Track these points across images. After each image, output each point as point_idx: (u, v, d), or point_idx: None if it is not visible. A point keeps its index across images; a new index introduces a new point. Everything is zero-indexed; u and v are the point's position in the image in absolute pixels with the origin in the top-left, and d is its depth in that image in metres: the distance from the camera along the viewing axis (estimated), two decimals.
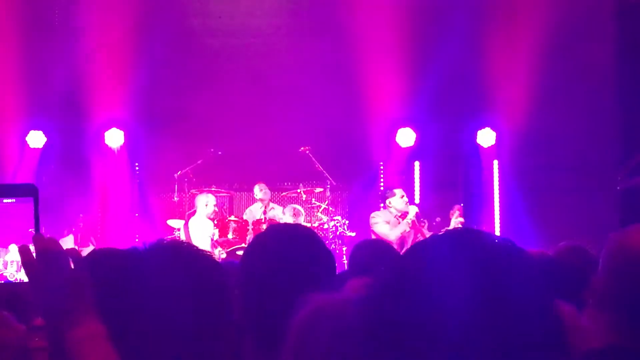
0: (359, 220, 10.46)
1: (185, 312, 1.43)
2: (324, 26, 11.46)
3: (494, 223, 11.31)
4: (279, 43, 11.64)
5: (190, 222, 9.95)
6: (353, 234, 9.84)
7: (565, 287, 2.24)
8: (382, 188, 11.48)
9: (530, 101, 10.80)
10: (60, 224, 10.26)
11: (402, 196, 9.15)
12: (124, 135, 11.33)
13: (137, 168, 11.58)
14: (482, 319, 1.10)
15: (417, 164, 11.59)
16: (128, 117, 11.28)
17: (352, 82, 11.10)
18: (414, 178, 11.55)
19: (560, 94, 11.09)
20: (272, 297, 2.04)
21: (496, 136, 11.41)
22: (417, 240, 8.28)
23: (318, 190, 10.48)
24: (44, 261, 1.45)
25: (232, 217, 10.15)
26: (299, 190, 10.41)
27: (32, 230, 1.56)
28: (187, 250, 1.55)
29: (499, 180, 11.48)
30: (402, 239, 8.73)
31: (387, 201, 9.18)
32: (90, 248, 9.78)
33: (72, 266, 1.47)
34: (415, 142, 11.43)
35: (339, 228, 9.86)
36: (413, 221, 8.95)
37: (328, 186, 10.42)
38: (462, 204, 10.40)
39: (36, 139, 11.26)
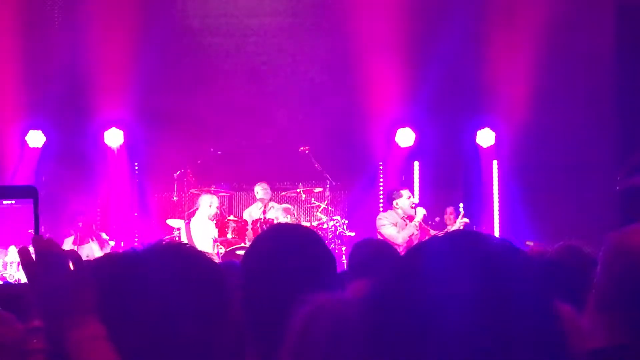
0: (358, 220, 10.47)
1: (185, 313, 1.43)
2: (324, 26, 11.47)
3: (493, 223, 11.32)
4: (278, 43, 11.64)
5: (192, 223, 9.93)
6: (352, 234, 9.84)
7: (563, 286, 2.24)
8: (381, 188, 11.49)
9: (529, 101, 10.81)
10: (60, 224, 10.25)
11: (409, 197, 9.12)
12: (124, 134, 11.34)
13: (136, 167, 11.58)
14: (482, 320, 1.11)
15: (416, 164, 11.59)
16: (128, 117, 11.28)
17: (351, 82, 11.11)
18: (413, 178, 11.55)
19: (559, 94, 11.10)
20: (274, 298, 2.04)
21: (495, 136, 11.41)
22: None
23: (317, 190, 10.48)
24: (43, 262, 1.46)
25: (232, 217, 10.15)
26: (298, 190, 10.41)
27: (31, 231, 1.56)
28: (186, 251, 1.55)
29: (498, 180, 11.48)
30: (410, 241, 8.69)
31: (394, 202, 9.14)
32: (92, 244, 9.78)
33: (72, 267, 1.47)
34: (414, 142, 11.43)
35: (339, 228, 9.86)
36: (420, 223, 8.94)
37: (327, 186, 10.42)
38: (461, 204, 10.40)
39: (36, 138, 11.26)
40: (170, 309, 1.43)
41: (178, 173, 10.51)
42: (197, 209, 10.08)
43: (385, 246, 3.79)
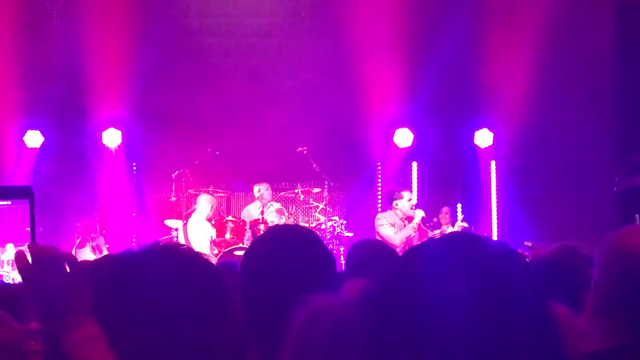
0: (357, 221, 10.47)
1: (182, 314, 1.43)
2: (322, 26, 11.47)
3: (491, 223, 11.33)
4: (276, 43, 11.64)
5: (189, 224, 9.91)
6: (350, 234, 9.84)
7: (560, 287, 2.25)
8: (379, 188, 11.49)
9: (527, 102, 10.82)
10: (58, 224, 10.25)
11: (410, 199, 9.10)
12: (122, 135, 11.34)
13: (134, 168, 11.58)
14: (479, 321, 1.11)
15: (414, 164, 11.59)
16: (125, 117, 11.28)
17: (350, 83, 11.11)
18: (411, 178, 11.56)
19: (557, 94, 11.11)
20: (274, 298, 2.04)
21: (493, 137, 11.42)
22: None
23: (316, 190, 10.48)
24: (39, 265, 1.46)
25: (230, 217, 10.14)
26: (296, 191, 10.41)
27: (28, 229, 1.56)
28: (182, 252, 1.55)
29: (496, 181, 11.49)
30: (408, 242, 8.69)
31: (394, 203, 9.12)
32: (88, 248, 9.77)
33: (68, 269, 1.47)
34: (412, 142, 11.44)
35: (337, 228, 9.86)
36: (419, 225, 8.94)
37: (326, 186, 10.42)
38: (459, 204, 10.42)
39: (33, 138, 11.26)
40: (166, 310, 1.43)
41: (176, 173, 10.51)
42: (195, 209, 10.08)
43: (383, 247, 3.79)
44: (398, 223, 8.99)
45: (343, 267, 4.74)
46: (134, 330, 1.42)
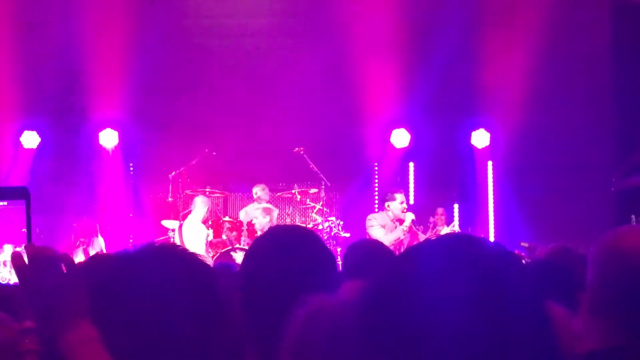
0: (354, 221, 10.46)
1: (177, 315, 1.43)
2: (319, 27, 11.47)
3: (488, 224, 11.33)
4: (273, 44, 11.64)
5: (184, 226, 9.87)
6: (347, 235, 9.84)
7: (556, 288, 2.25)
8: (376, 189, 11.49)
9: (524, 102, 10.82)
10: (54, 225, 10.24)
11: (402, 202, 9.09)
12: (118, 135, 11.33)
13: (131, 168, 11.57)
14: (475, 322, 1.11)
15: (411, 164, 11.60)
16: (122, 118, 11.27)
17: (347, 83, 11.11)
18: (408, 179, 11.56)
19: (554, 94, 11.12)
20: (274, 299, 2.04)
21: (490, 137, 11.43)
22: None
23: (313, 191, 10.48)
24: (35, 266, 1.46)
25: (227, 218, 10.14)
26: (293, 191, 10.40)
27: (24, 230, 1.56)
28: (177, 252, 1.55)
29: (493, 181, 11.50)
30: (398, 245, 8.69)
31: (386, 204, 9.15)
32: (80, 251, 9.76)
33: (65, 270, 1.47)
34: (409, 143, 11.44)
35: (334, 229, 9.86)
36: (410, 227, 8.95)
37: (323, 187, 10.41)
38: (456, 205, 10.42)
39: (30, 139, 11.25)
40: (162, 311, 1.42)
41: (173, 174, 10.50)
42: (191, 211, 10.06)
43: (380, 247, 3.79)
44: (389, 224, 9.00)
45: (340, 268, 4.74)
46: (130, 331, 1.42)
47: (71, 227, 10.06)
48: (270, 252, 2.18)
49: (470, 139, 11.49)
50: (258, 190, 10.28)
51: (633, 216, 9.72)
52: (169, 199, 10.53)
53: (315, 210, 10.32)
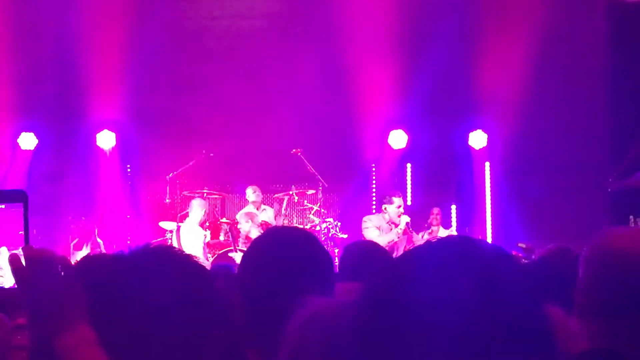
0: (351, 222, 10.46)
1: (174, 317, 1.43)
2: (317, 28, 11.46)
3: (485, 225, 11.34)
4: (271, 45, 11.63)
5: (182, 228, 9.86)
6: (345, 236, 9.84)
7: (554, 289, 2.25)
8: (374, 190, 11.49)
9: (521, 103, 10.83)
10: (52, 226, 10.23)
11: (399, 206, 9.09)
12: (116, 137, 11.33)
13: (128, 170, 11.56)
14: (474, 325, 1.11)
15: (409, 165, 11.61)
16: (120, 119, 11.27)
17: (344, 84, 11.11)
18: (406, 180, 11.57)
19: (551, 96, 11.13)
20: (271, 300, 2.04)
21: (488, 138, 11.44)
22: (408, 248, 8.26)
23: (310, 192, 10.48)
24: (33, 268, 1.46)
25: (224, 219, 10.14)
26: (291, 192, 10.40)
27: (21, 232, 1.56)
28: (173, 254, 1.55)
29: (490, 182, 11.50)
30: (393, 247, 8.70)
31: (383, 206, 9.15)
32: (84, 251, 9.75)
33: (62, 273, 1.47)
34: (407, 144, 11.45)
35: (331, 230, 9.86)
36: (405, 229, 8.97)
37: (320, 188, 10.41)
38: (453, 206, 10.41)
39: (27, 140, 11.24)
40: (158, 313, 1.43)
41: (170, 175, 10.50)
42: (188, 213, 10.06)
43: (377, 249, 3.79)
44: (384, 226, 9.02)
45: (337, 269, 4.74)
46: (126, 333, 1.42)
47: (69, 229, 10.06)
48: (268, 253, 2.18)
49: (467, 140, 11.50)
50: (250, 193, 10.28)
51: (631, 217, 9.72)
52: (167, 200, 10.53)
53: (312, 212, 10.32)
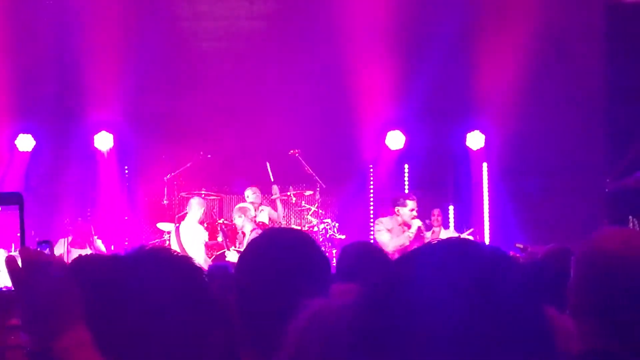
0: (349, 223, 10.47)
1: (170, 318, 1.43)
2: (314, 29, 11.46)
3: (483, 225, 11.34)
4: (268, 46, 11.63)
5: (182, 227, 9.88)
6: (343, 237, 9.84)
7: (552, 289, 2.25)
8: (371, 191, 11.50)
9: (519, 104, 10.83)
10: (50, 228, 10.21)
11: (412, 210, 8.98)
12: (113, 138, 11.32)
13: (126, 171, 11.56)
14: (473, 327, 1.11)
15: (406, 166, 11.61)
16: (117, 120, 11.26)
17: (341, 85, 11.11)
18: (403, 181, 11.57)
19: (549, 96, 11.14)
20: (268, 302, 2.04)
21: (485, 139, 11.44)
22: None
23: (308, 193, 10.49)
24: (29, 270, 1.45)
25: (222, 220, 10.14)
26: (288, 193, 10.41)
27: (18, 234, 1.56)
28: (169, 256, 1.55)
29: (488, 183, 11.51)
30: (404, 249, 8.67)
31: (396, 208, 9.06)
32: (85, 251, 9.74)
33: (59, 275, 1.47)
34: (404, 144, 11.45)
35: (329, 231, 9.87)
36: (416, 234, 8.93)
37: (318, 189, 10.43)
38: (451, 206, 10.42)
39: (25, 142, 11.23)
40: (154, 314, 1.43)
41: (168, 177, 10.50)
42: (187, 213, 10.06)
43: (375, 250, 3.79)
44: (396, 229, 8.97)
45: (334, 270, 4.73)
46: (122, 333, 1.42)
47: (66, 230, 10.04)
48: (265, 254, 2.18)
49: (465, 140, 11.50)
50: (249, 193, 10.28)
51: (631, 217, 9.73)
52: (164, 201, 10.53)
53: (310, 213, 10.33)
